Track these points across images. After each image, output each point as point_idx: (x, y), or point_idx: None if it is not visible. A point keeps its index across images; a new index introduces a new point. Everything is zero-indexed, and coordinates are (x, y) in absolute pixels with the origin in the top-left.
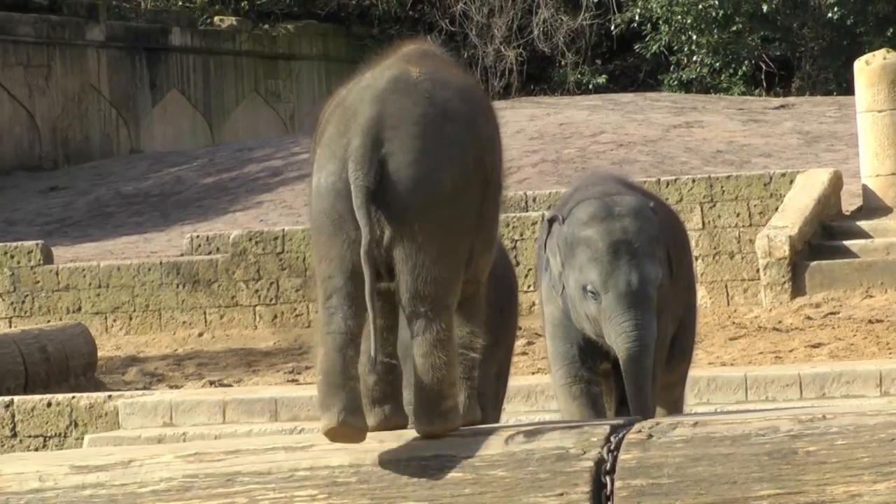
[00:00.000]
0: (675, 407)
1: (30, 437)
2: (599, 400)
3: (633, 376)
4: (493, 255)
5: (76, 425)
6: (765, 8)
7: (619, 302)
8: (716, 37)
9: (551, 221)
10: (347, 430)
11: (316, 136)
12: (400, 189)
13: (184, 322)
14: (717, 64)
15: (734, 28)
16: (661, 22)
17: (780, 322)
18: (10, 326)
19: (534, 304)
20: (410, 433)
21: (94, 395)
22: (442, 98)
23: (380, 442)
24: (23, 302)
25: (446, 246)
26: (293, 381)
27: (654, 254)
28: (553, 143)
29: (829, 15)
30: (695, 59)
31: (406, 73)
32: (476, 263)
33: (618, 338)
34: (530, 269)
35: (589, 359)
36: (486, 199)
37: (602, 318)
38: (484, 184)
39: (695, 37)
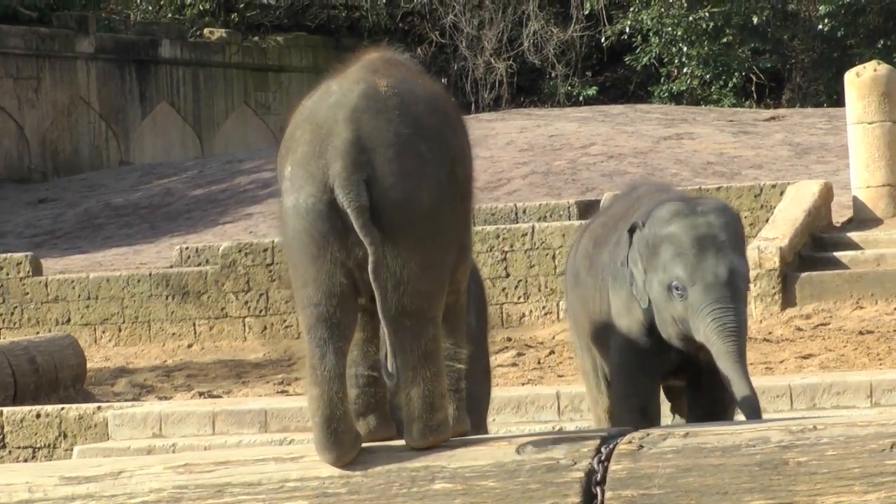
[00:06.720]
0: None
1: (19, 448)
2: (658, 416)
3: (730, 363)
4: (469, 263)
5: (65, 436)
6: (755, 20)
7: (707, 293)
8: (706, 48)
9: (632, 231)
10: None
11: (283, 150)
12: (382, 210)
13: (173, 333)
14: (708, 76)
15: (724, 40)
16: (651, 34)
17: (770, 333)
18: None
19: (524, 315)
20: (399, 444)
21: (84, 406)
22: (413, 114)
23: (369, 453)
24: (12, 313)
25: (428, 259)
26: (283, 392)
27: (741, 248)
28: (543, 155)
29: (820, 27)
30: (685, 70)
31: (374, 87)
32: (455, 273)
33: (707, 328)
34: (520, 280)
35: (657, 373)
36: (461, 210)
37: (689, 314)
38: (458, 195)
39: (685, 49)
